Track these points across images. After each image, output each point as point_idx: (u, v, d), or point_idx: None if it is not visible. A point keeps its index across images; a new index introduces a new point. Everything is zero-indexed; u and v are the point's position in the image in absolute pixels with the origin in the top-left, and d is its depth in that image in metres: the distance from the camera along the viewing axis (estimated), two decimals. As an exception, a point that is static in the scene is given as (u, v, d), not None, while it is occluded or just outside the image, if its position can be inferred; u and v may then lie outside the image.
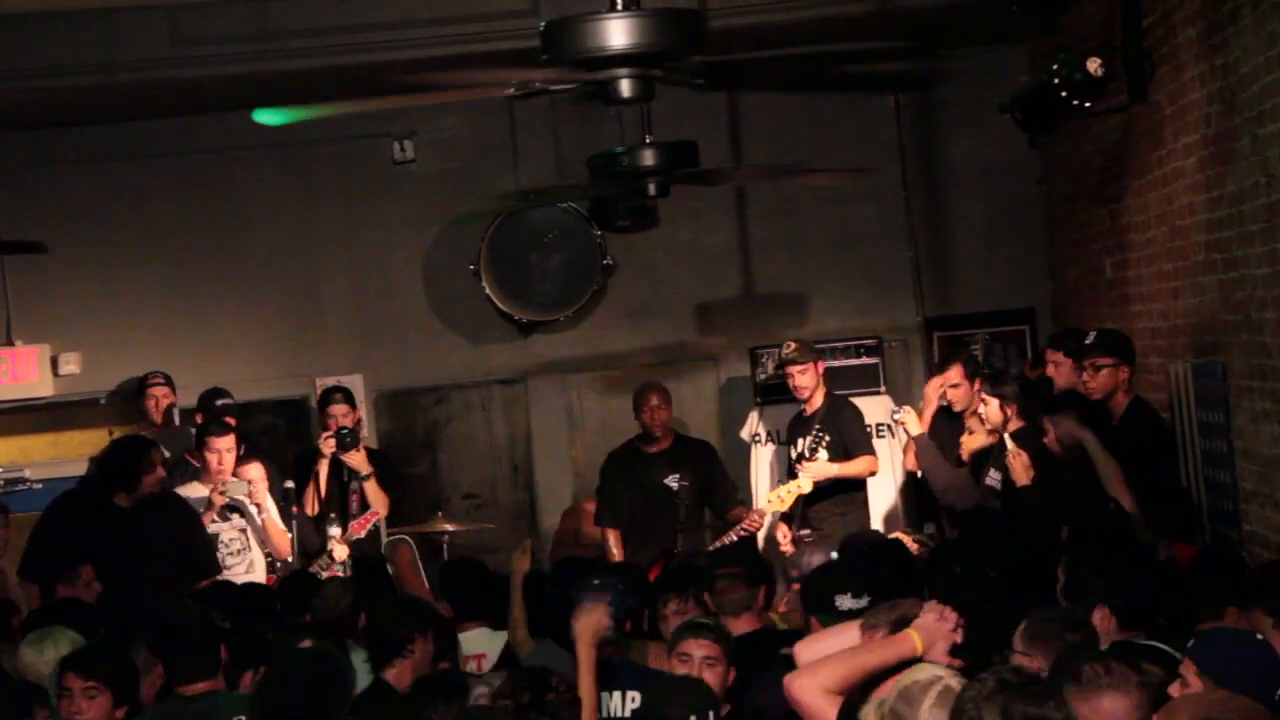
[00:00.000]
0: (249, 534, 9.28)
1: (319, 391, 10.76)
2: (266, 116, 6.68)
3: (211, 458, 9.27)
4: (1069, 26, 9.66)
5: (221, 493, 9.17)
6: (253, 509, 9.22)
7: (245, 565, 9.23)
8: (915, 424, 9.17)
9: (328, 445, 9.69)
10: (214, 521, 9.16)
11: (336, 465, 9.77)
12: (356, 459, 9.72)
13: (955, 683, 4.01)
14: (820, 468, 9.34)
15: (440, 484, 11.87)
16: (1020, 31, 10.64)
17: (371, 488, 9.74)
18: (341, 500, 9.69)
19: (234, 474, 9.35)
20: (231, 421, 9.70)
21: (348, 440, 9.67)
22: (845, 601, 5.74)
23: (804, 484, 9.34)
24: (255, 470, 9.35)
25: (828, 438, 9.41)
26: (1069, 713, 3.84)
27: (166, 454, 8.97)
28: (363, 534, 9.32)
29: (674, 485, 9.75)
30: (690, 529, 9.73)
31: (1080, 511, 7.29)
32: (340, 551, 9.13)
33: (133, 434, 9.02)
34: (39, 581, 8.22)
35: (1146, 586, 5.77)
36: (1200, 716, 4.24)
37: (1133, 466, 7.79)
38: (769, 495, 9.62)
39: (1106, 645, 5.26)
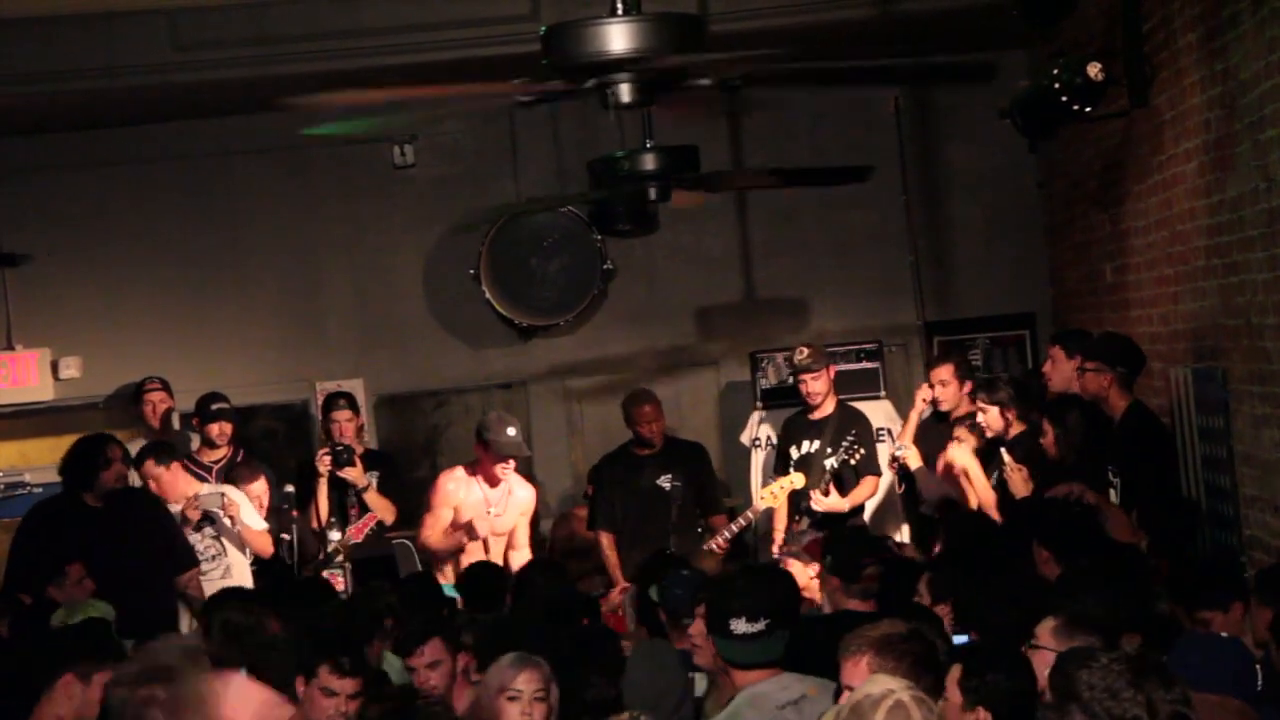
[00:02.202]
0: (223, 540, 9.26)
1: (320, 395, 10.73)
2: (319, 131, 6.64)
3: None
4: (1069, 31, 9.65)
5: (196, 507, 9.16)
6: (226, 521, 9.19)
7: (221, 570, 9.21)
8: (915, 458, 9.25)
9: (323, 463, 9.69)
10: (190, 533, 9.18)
11: (335, 478, 9.76)
12: (353, 474, 9.70)
13: (907, 696, 3.95)
14: (833, 503, 9.40)
15: (440, 488, 11.84)
16: (1020, 36, 10.63)
17: (373, 497, 9.75)
18: (341, 513, 9.69)
19: (237, 487, 9.35)
20: (216, 439, 9.77)
21: (343, 457, 9.68)
22: (740, 626, 5.48)
23: (796, 479, 9.41)
24: (259, 486, 9.37)
25: (862, 451, 9.47)
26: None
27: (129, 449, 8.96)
28: (361, 539, 9.31)
29: (666, 486, 9.75)
30: (683, 530, 9.70)
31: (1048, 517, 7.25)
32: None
33: (94, 433, 8.99)
34: (28, 590, 8.15)
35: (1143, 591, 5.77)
36: None
37: (1132, 470, 7.77)
38: (761, 492, 9.68)
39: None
